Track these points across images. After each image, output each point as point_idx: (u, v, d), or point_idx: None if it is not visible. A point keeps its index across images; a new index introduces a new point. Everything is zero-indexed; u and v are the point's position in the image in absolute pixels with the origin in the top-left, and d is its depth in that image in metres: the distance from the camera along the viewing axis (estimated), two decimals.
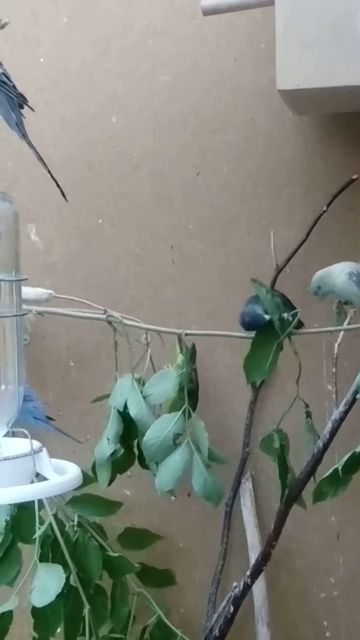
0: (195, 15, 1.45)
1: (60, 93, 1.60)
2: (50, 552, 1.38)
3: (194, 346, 1.43)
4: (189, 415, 1.37)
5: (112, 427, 1.39)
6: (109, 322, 1.44)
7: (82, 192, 1.58)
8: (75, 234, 1.60)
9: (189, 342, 1.42)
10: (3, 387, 1.04)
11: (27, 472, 1.00)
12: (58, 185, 1.22)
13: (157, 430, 1.36)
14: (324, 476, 1.26)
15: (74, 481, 1.08)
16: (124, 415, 1.39)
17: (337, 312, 1.38)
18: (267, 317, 1.35)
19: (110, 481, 1.42)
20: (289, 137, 1.51)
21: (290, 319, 1.36)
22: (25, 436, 1.01)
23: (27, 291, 1.43)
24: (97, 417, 1.50)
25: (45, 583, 1.30)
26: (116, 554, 1.41)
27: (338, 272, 1.36)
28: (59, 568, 1.32)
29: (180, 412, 1.37)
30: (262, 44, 1.49)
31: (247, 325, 1.38)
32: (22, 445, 1.02)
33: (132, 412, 1.37)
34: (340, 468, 1.23)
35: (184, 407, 1.37)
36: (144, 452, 1.37)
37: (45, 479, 1.04)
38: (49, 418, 1.47)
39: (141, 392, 1.39)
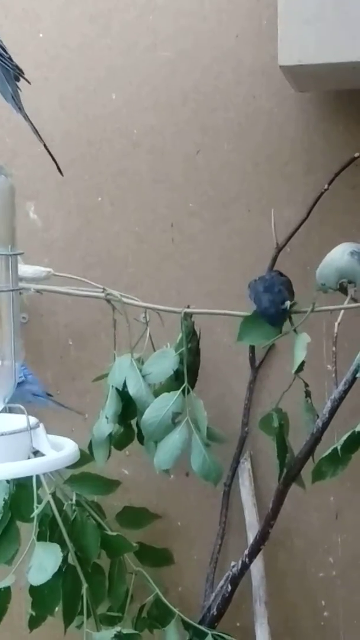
0: None
1: (60, 69, 1.58)
2: (48, 531, 1.38)
3: (192, 323, 1.42)
4: (188, 393, 1.36)
5: (111, 405, 1.39)
6: (108, 301, 1.43)
7: (81, 170, 1.57)
8: (75, 212, 1.59)
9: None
10: None
11: (24, 448, 0.99)
12: (54, 160, 1.21)
13: (156, 409, 1.36)
14: (323, 455, 1.26)
15: (71, 457, 1.08)
16: (123, 393, 1.39)
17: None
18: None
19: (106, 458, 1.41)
20: (290, 114, 1.50)
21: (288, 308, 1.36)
22: (21, 412, 1.01)
23: (26, 269, 1.42)
24: (95, 396, 1.49)
25: (42, 562, 1.30)
26: (114, 533, 1.41)
27: (339, 254, 1.35)
28: (56, 547, 1.32)
29: (179, 390, 1.36)
30: (263, 20, 1.48)
31: (270, 317, 1.37)
32: (19, 421, 1.01)
33: (131, 390, 1.37)
34: (339, 447, 1.23)
35: (183, 386, 1.36)
36: (142, 430, 1.37)
37: (42, 455, 1.03)
38: (48, 394, 1.47)
39: (140, 370, 1.38)
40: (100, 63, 1.57)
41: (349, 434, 1.23)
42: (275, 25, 1.25)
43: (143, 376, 1.38)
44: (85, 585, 1.38)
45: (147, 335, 1.42)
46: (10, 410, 1.04)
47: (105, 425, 1.39)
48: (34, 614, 1.37)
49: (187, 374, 1.38)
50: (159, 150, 1.56)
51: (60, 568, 1.31)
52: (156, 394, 1.38)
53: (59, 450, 1.04)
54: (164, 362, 1.39)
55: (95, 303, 1.47)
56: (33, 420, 1.02)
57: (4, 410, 1.04)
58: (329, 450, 1.25)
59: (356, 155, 1.44)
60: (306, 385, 1.38)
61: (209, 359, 1.51)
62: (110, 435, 1.39)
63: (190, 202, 1.55)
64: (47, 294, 1.46)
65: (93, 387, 1.48)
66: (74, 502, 1.42)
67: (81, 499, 1.44)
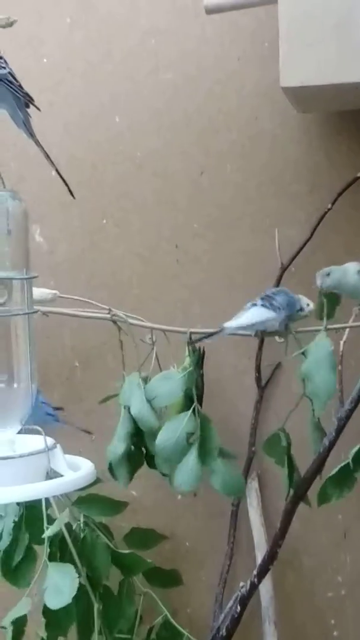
0: (198, 15, 1.45)
1: (64, 94, 1.60)
2: (58, 552, 1.38)
3: (203, 350, 1.43)
4: (199, 412, 1.36)
5: (124, 425, 1.38)
6: (114, 322, 1.43)
7: (86, 193, 1.58)
8: (79, 234, 1.60)
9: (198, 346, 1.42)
10: (16, 384, 1.04)
11: (41, 468, 1.00)
12: (66, 183, 1.22)
13: (170, 430, 1.35)
14: (330, 475, 1.26)
15: (88, 477, 1.08)
16: (132, 415, 1.38)
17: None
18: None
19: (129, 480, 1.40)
20: (293, 135, 1.51)
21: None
22: (38, 433, 1.01)
23: (32, 292, 1.43)
24: (102, 417, 1.50)
25: (57, 584, 1.29)
26: (127, 551, 1.41)
27: (351, 271, 1.35)
28: (70, 568, 1.30)
29: (190, 410, 1.36)
30: (265, 43, 1.49)
31: None
32: (35, 442, 1.02)
33: (133, 410, 1.36)
34: (350, 460, 1.22)
35: (193, 406, 1.36)
36: (157, 454, 1.36)
37: (59, 475, 1.04)
38: (57, 408, 1.47)
39: (145, 390, 1.38)
40: (103, 87, 1.58)
41: (357, 447, 1.22)
42: (277, 47, 1.26)
43: (149, 400, 1.38)
44: (96, 606, 1.37)
45: (154, 355, 1.42)
46: (26, 432, 1.05)
47: (118, 445, 1.38)
48: (44, 636, 1.37)
49: (195, 393, 1.38)
50: (162, 173, 1.57)
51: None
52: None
53: (75, 470, 1.05)
54: (169, 385, 1.39)
55: (101, 324, 1.47)
56: (50, 440, 1.03)
57: (21, 432, 1.05)
58: (337, 469, 1.25)
59: (359, 175, 1.45)
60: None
61: (214, 379, 1.51)
62: (126, 454, 1.39)
63: (195, 223, 1.56)
64: (53, 316, 1.46)
65: (99, 408, 1.48)
66: (81, 522, 1.42)
67: (89, 520, 1.44)
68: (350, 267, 1.35)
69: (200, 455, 1.34)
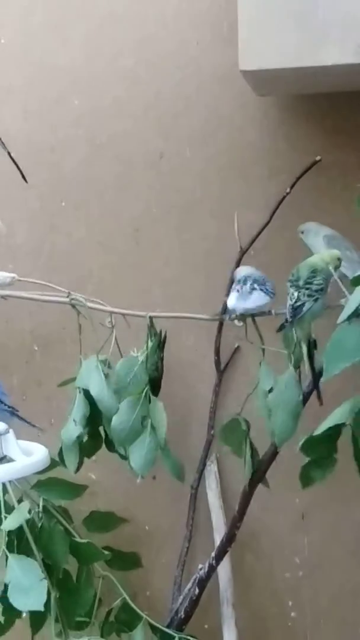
0: None
1: (22, 77, 1.59)
2: (15, 539, 1.38)
3: (163, 335, 1.44)
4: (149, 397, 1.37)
5: (79, 409, 1.39)
6: (73, 306, 1.43)
7: (45, 175, 1.58)
8: (39, 217, 1.60)
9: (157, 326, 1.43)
10: None
11: None
12: (19, 168, 1.21)
13: (125, 413, 1.36)
14: (306, 462, 1.24)
15: (41, 462, 1.08)
16: (90, 397, 1.39)
17: None
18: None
19: (79, 466, 1.41)
20: (251, 119, 1.51)
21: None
22: None
23: None
24: (61, 401, 1.50)
25: (21, 582, 1.28)
26: (84, 541, 1.41)
27: (321, 233, 1.40)
28: (34, 565, 1.30)
29: (142, 395, 1.37)
30: (224, 26, 1.49)
31: None
32: None
33: (93, 392, 1.37)
34: (299, 450, 1.22)
35: (145, 389, 1.37)
36: (113, 436, 1.37)
37: (12, 461, 1.03)
38: (12, 408, 1.46)
39: (105, 373, 1.39)
40: (63, 71, 1.57)
41: (307, 437, 1.21)
42: (236, 31, 1.26)
43: (108, 380, 1.38)
44: (53, 594, 1.37)
45: (113, 339, 1.42)
46: None
47: (73, 428, 1.39)
48: (1, 620, 1.36)
49: (149, 377, 1.40)
50: (122, 156, 1.57)
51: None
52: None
53: (29, 456, 1.04)
54: (131, 368, 1.40)
55: (60, 308, 1.47)
56: (2, 426, 1.02)
57: None
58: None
59: (317, 158, 1.46)
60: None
61: (174, 363, 1.52)
62: (79, 439, 1.39)
63: (154, 207, 1.56)
64: (12, 300, 1.46)
65: (59, 392, 1.48)
66: (41, 508, 1.42)
67: (48, 504, 1.44)
68: (321, 231, 1.40)
69: (152, 440, 1.35)
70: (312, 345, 1.31)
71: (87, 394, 1.39)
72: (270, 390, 1.31)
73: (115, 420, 1.36)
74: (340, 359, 1.11)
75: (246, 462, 1.37)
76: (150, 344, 1.41)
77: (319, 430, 1.17)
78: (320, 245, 1.38)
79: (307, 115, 1.49)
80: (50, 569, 1.39)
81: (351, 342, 1.11)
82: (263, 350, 1.36)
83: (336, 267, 1.30)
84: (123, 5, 1.54)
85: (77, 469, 1.41)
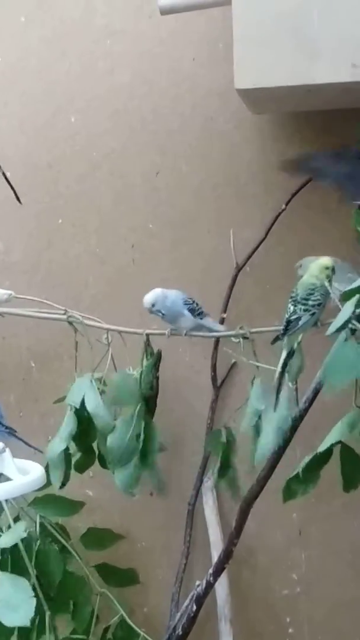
0: (153, 15, 1.45)
1: (19, 93, 1.59)
2: (10, 558, 1.38)
3: (160, 352, 1.44)
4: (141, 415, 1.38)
5: (67, 425, 1.39)
6: (70, 323, 1.43)
7: (42, 192, 1.58)
8: (35, 234, 1.60)
9: (154, 346, 1.43)
10: None
11: None
12: (12, 188, 1.21)
13: (120, 432, 1.36)
14: (291, 476, 1.25)
15: (38, 481, 1.08)
16: (82, 414, 1.38)
17: None
18: None
19: (64, 483, 1.40)
20: (247, 136, 1.51)
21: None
22: None
23: None
24: (58, 417, 1.48)
25: (11, 599, 1.28)
26: (79, 575, 1.41)
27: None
28: (25, 584, 1.28)
29: (136, 413, 1.37)
30: (220, 44, 1.50)
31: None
32: None
33: (89, 407, 1.37)
34: (301, 470, 1.23)
35: (138, 407, 1.37)
36: (109, 456, 1.37)
37: (8, 479, 1.03)
38: (10, 429, 1.45)
39: (100, 390, 1.39)
40: (59, 87, 1.58)
41: (312, 455, 1.23)
42: (232, 49, 1.26)
43: (103, 396, 1.38)
44: (48, 613, 1.37)
45: (109, 356, 1.42)
46: None
47: (57, 443, 1.38)
48: None
49: (144, 395, 1.40)
50: (118, 172, 1.57)
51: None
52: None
53: (25, 474, 1.04)
54: (126, 385, 1.40)
55: (57, 325, 1.47)
56: None
57: None
58: (294, 472, 1.25)
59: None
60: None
61: (171, 379, 1.52)
62: (65, 454, 1.39)
63: (151, 223, 1.56)
64: (9, 317, 1.46)
65: (56, 409, 1.48)
66: (38, 525, 1.42)
67: (45, 521, 1.44)
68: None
69: (142, 458, 1.35)
70: (290, 354, 1.31)
71: (77, 411, 1.38)
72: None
73: (110, 439, 1.36)
74: (340, 375, 1.12)
75: (215, 472, 1.39)
76: (146, 362, 1.41)
77: (322, 448, 1.18)
78: None
79: (301, 133, 1.49)
80: (44, 588, 1.39)
81: (350, 359, 1.12)
82: (257, 367, 1.36)
83: (328, 277, 1.30)
84: (119, 22, 1.55)
85: (63, 485, 1.41)
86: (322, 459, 1.22)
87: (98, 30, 1.56)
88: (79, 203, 1.58)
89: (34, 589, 1.34)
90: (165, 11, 1.36)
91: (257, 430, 1.33)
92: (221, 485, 1.51)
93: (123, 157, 1.57)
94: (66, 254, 1.59)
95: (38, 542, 1.40)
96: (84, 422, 1.38)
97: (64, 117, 1.58)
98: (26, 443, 1.41)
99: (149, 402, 1.41)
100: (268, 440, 1.31)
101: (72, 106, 1.58)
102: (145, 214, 1.56)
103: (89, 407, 1.37)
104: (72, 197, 1.58)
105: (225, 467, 1.38)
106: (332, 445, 1.18)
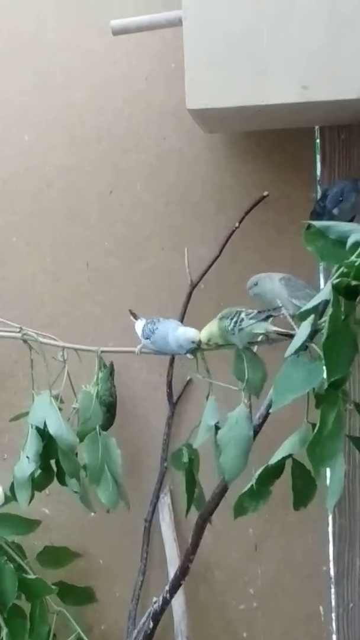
0: (106, 34, 1.46)
1: None
2: None
3: (112, 364, 1.45)
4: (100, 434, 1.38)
5: (32, 445, 1.38)
6: (25, 341, 1.43)
7: None
8: None
9: (107, 359, 1.43)
10: None
11: None
12: None
13: (93, 451, 1.36)
14: (243, 491, 1.27)
15: None
16: (43, 433, 1.38)
17: None
18: None
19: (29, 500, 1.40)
20: (200, 155, 1.53)
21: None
22: None
23: None
24: (14, 435, 1.49)
25: None
26: (33, 577, 1.40)
27: (275, 279, 1.37)
28: None
29: (98, 428, 1.37)
30: (172, 64, 1.51)
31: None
32: None
33: (52, 429, 1.36)
34: (254, 483, 1.24)
35: (98, 427, 1.38)
36: (89, 477, 1.37)
37: None
38: None
39: (59, 409, 1.38)
40: (12, 101, 1.57)
41: (263, 468, 1.24)
42: (183, 68, 1.28)
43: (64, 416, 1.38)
44: (5, 630, 1.37)
45: (65, 373, 1.42)
46: None
47: (26, 465, 1.38)
48: None
49: (104, 403, 1.41)
50: (72, 189, 1.57)
51: None
52: (79, 434, 1.38)
53: None
54: (88, 403, 1.40)
55: (12, 343, 1.46)
56: None
57: None
58: (247, 487, 1.26)
59: (265, 194, 1.48)
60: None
61: (127, 396, 1.52)
62: (32, 475, 1.39)
63: (105, 240, 1.57)
64: None
65: (11, 427, 1.48)
66: None
67: (1, 540, 1.44)
68: (275, 275, 1.37)
69: (112, 474, 1.36)
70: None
71: (39, 430, 1.38)
72: (216, 426, 1.32)
73: (88, 460, 1.36)
74: (288, 391, 1.13)
75: (184, 493, 1.38)
76: (100, 375, 1.42)
77: (273, 460, 1.19)
78: (280, 288, 1.36)
79: (254, 152, 1.51)
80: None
81: (299, 375, 1.13)
82: (210, 384, 1.37)
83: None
84: (73, 39, 1.55)
85: (28, 503, 1.40)
86: (274, 472, 1.22)
87: (51, 44, 1.55)
88: (32, 220, 1.58)
89: None
90: (118, 32, 1.37)
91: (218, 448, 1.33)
92: (180, 501, 1.52)
93: (77, 173, 1.57)
94: (21, 271, 1.59)
95: None
96: (44, 439, 1.37)
97: (17, 132, 1.58)
98: None
99: (110, 409, 1.41)
100: (237, 462, 1.30)
101: (25, 121, 1.57)
102: (99, 232, 1.57)
103: (51, 429, 1.36)
104: (25, 214, 1.58)
105: (191, 485, 1.38)
106: (284, 459, 1.19)
